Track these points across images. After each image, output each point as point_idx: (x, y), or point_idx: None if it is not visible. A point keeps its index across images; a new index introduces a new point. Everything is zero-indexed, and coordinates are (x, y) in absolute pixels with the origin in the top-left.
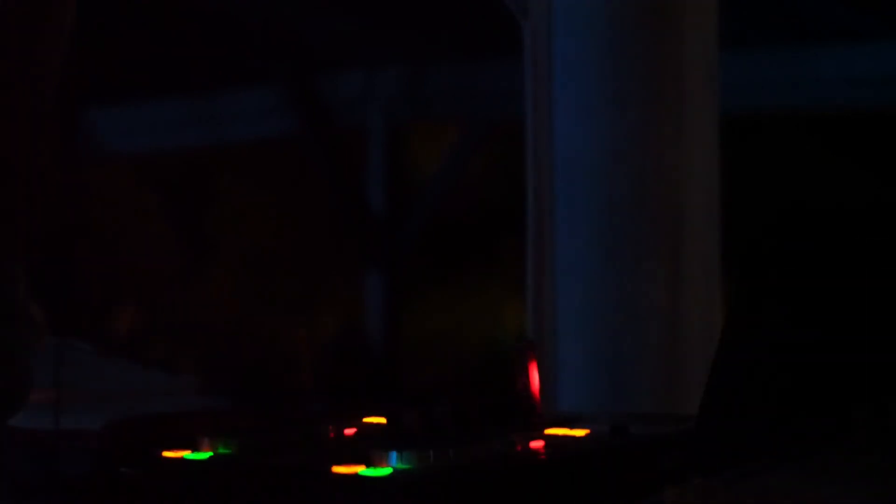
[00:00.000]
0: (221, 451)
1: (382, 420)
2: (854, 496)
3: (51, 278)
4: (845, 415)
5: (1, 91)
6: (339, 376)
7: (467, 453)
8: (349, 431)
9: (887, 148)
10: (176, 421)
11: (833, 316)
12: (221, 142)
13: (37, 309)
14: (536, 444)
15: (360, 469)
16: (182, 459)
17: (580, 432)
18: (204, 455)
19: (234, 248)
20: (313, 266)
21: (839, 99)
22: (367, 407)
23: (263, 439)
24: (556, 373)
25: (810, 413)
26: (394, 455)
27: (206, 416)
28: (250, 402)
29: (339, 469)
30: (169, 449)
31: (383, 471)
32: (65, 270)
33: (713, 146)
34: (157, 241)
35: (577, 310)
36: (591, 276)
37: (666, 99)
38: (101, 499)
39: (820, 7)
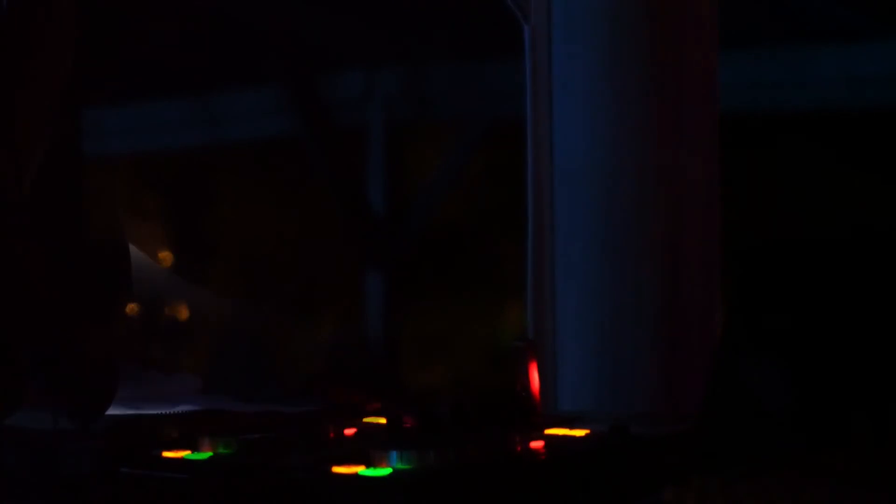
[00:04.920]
0: (221, 451)
1: (382, 420)
2: (854, 496)
3: (51, 278)
4: (845, 415)
5: (14, 89)
6: (339, 376)
7: (467, 453)
8: (349, 431)
9: (887, 148)
10: (176, 421)
11: (833, 316)
12: (221, 142)
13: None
14: (536, 444)
15: (360, 469)
16: (182, 459)
17: (580, 432)
18: (204, 455)
19: (234, 248)
20: (313, 266)
21: (839, 99)
22: (367, 407)
23: (263, 439)
24: (556, 373)
25: (810, 413)
26: (394, 455)
27: (206, 416)
28: (250, 403)
29: (339, 469)
30: (169, 449)
31: (383, 471)
32: (65, 270)
33: (713, 146)
34: (156, 240)
35: (576, 310)
36: (590, 277)
37: (666, 99)
38: (101, 499)
39: (820, 7)
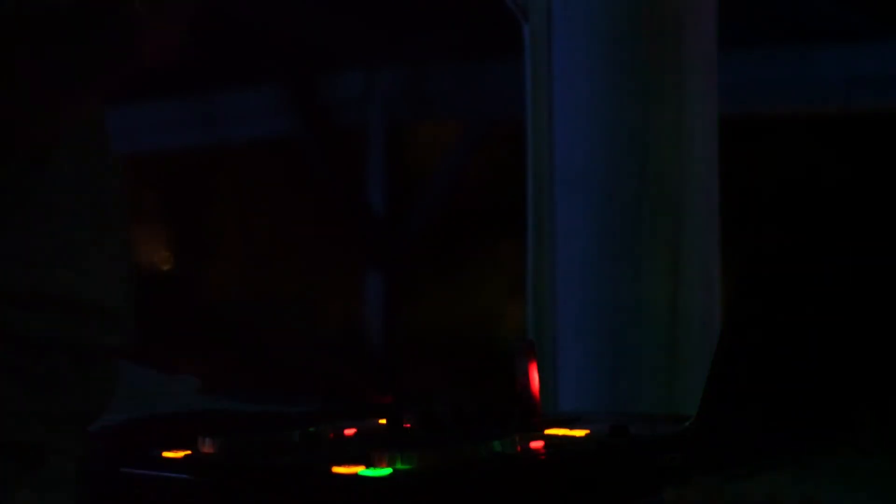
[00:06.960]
0: (222, 451)
1: (382, 420)
2: (855, 497)
3: None
4: (846, 415)
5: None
6: (339, 376)
7: (467, 453)
8: (349, 431)
9: (887, 148)
10: (176, 421)
11: (834, 315)
12: (221, 142)
13: None
14: (536, 444)
15: (360, 469)
16: (182, 459)
17: (580, 432)
18: (205, 455)
19: (234, 248)
20: (313, 265)
21: (839, 99)
22: (367, 407)
23: (263, 439)
24: (556, 373)
25: (810, 413)
26: (394, 455)
27: (206, 416)
28: (250, 403)
29: (339, 469)
30: (169, 449)
31: (383, 471)
32: None
33: (713, 146)
34: (156, 240)
35: (577, 310)
36: (591, 276)
37: (666, 99)
38: (101, 499)
39: (820, 7)
